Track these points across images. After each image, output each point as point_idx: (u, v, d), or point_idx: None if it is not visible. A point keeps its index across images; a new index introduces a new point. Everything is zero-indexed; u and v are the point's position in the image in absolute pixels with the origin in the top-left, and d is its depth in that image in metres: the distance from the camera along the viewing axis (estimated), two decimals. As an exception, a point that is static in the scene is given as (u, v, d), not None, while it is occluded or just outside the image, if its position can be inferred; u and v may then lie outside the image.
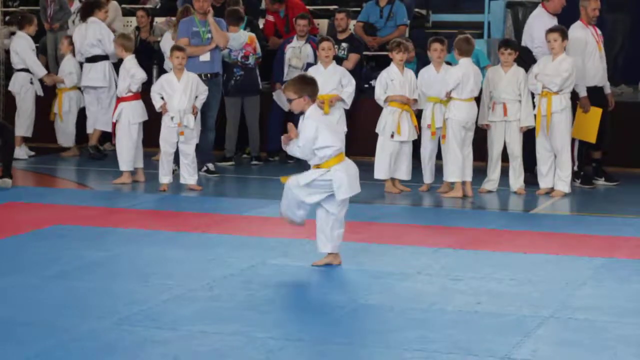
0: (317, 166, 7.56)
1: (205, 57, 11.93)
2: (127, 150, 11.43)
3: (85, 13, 13.34)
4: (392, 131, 10.99)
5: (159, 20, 14.61)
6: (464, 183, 10.87)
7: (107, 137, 13.39)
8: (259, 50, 13.04)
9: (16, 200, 10.37)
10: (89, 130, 13.33)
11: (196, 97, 11.07)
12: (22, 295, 6.83)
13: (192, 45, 11.82)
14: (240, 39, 12.78)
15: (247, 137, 13.20)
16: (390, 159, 11.04)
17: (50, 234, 8.79)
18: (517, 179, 11.07)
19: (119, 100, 11.55)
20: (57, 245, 8.35)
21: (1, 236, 8.62)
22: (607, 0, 13.05)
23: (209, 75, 11.90)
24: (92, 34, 13.16)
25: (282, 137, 7.65)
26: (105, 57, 13.21)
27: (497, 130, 11.02)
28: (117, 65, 13.44)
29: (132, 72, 11.42)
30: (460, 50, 10.81)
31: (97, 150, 13.30)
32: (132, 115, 11.41)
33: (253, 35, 13.06)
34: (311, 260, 7.81)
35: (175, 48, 11.11)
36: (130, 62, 11.52)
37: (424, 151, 11.19)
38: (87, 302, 6.66)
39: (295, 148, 7.55)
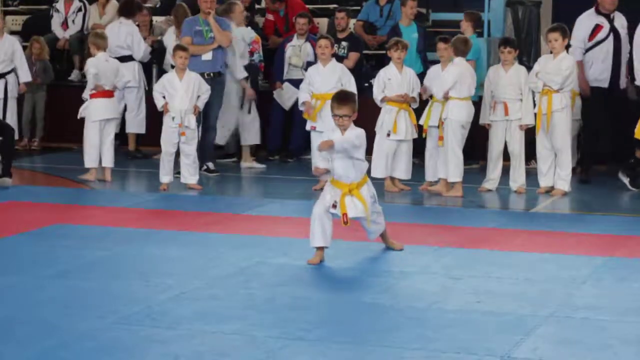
0: (357, 185, 7.72)
1: (207, 56, 11.93)
2: (89, 147, 11.53)
3: (126, 12, 13.32)
4: (388, 130, 11.00)
5: (158, 19, 14.61)
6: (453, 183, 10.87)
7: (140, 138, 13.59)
8: (261, 52, 13.08)
9: (16, 200, 10.37)
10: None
11: (198, 96, 11.07)
12: (22, 295, 6.83)
13: (195, 45, 11.81)
14: (250, 33, 12.84)
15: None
16: (387, 158, 11.03)
17: (50, 234, 8.78)
18: (517, 178, 11.06)
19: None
20: (57, 245, 8.35)
21: (1, 235, 8.62)
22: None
23: (211, 74, 11.90)
24: (123, 37, 13.18)
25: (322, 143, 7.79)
26: (129, 58, 13.25)
27: (497, 130, 11.02)
28: (147, 66, 13.65)
29: (86, 69, 11.55)
30: (456, 49, 10.81)
31: (137, 152, 13.33)
32: (92, 112, 11.46)
33: (259, 37, 13.11)
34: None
35: (179, 48, 11.07)
36: (90, 61, 11.60)
37: (426, 149, 11.20)
38: (87, 302, 6.66)
39: (348, 143, 7.68)
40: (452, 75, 10.71)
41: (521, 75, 10.94)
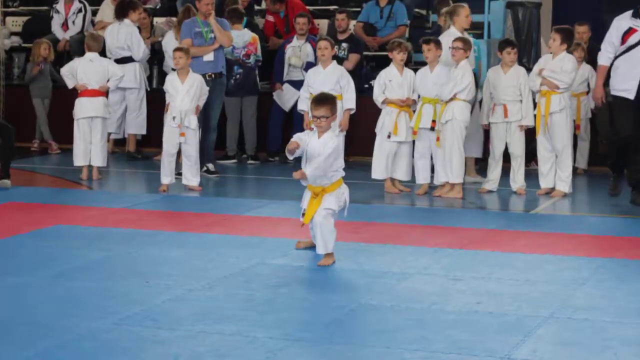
0: (323, 189, 7.68)
1: (209, 57, 11.94)
2: (74, 146, 11.72)
3: (120, 13, 13.35)
4: (388, 131, 10.99)
5: (159, 20, 14.61)
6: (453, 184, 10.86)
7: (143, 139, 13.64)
8: (259, 52, 13.08)
9: (16, 200, 10.37)
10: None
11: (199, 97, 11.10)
12: (21, 295, 6.83)
13: (195, 46, 11.83)
14: (244, 37, 12.84)
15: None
16: (387, 159, 11.02)
17: (50, 234, 8.78)
18: (517, 179, 11.05)
19: None
20: (57, 245, 8.35)
21: (1, 236, 8.61)
22: (607, 0, 13.03)
23: (212, 75, 11.91)
24: (123, 38, 13.21)
25: (295, 174, 7.69)
26: (129, 59, 13.26)
27: (498, 131, 11.01)
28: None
29: None
30: (464, 52, 10.77)
31: (137, 153, 13.36)
32: (77, 111, 11.71)
33: (256, 36, 13.10)
34: (311, 260, 7.85)
35: (175, 49, 11.15)
36: (72, 62, 12.00)
37: (415, 151, 11.13)
38: (87, 302, 6.66)
39: (314, 169, 7.60)
40: (467, 78, 10.68)
41: (520, 76, 10.94)
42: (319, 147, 7.62)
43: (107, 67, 11.92)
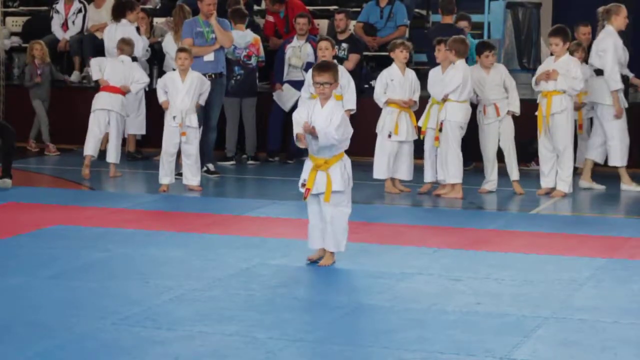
0: (326, 161, 7.57)
1: (209, 57, 11.95)
2: (88, 136, 11.99)
3: (117, 13, 13.38)
4: (389, 131, 11.00)
5: (158, 20, 14.61)
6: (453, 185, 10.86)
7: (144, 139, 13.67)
8: (262, 53, 13.08)
9: (16, 200, 10.37)
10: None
11: (200, 94, 11.10)
12: (22, 295, 6.83)
13: (196, 46, 11.83)
14: (246, 37, 12.83)
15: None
16: (388, 159, 11.03)
17: (51, 234, 8.78)
18: (513, 172, 11.04)
19: None
20: (57, 245, 8.35)
21: (1, 236, 8.62)
22: (607, 0, 13.00)
23: (212, 75, 11.91)
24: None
25: (299, 133, 7.56)
26: (133, 59, 13.26)
27: (491, 131, 11.02)
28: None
29: None
30: (458, 52, 10.77)
31: (137, 153, 13.37)
32: (94, 102, 12.01)
33: (258, 37, 13.10)
34: (311, 260, 7.86)
35: (179, 49, 11.16)
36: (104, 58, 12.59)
37: (425, 151, 11.20)
38: (87, 302, 6.66)
39: (331, 137, 7.46)
40: (457, 79, 10.69)
41: (502, 73, 11.00)
42: (324, 118, 7.50)
43: (134, 72, 12.16)
